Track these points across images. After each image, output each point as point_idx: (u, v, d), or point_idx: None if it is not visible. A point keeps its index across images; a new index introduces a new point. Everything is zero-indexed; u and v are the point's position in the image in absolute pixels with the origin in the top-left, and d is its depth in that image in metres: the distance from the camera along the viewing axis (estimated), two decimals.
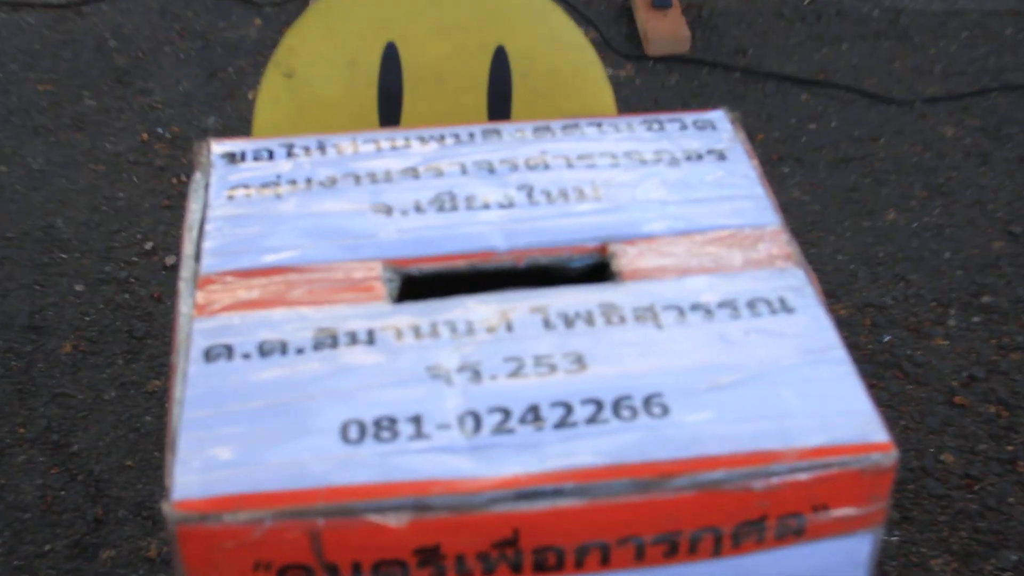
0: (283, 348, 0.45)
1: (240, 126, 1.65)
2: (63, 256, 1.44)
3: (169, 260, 1.42)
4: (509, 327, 0.45)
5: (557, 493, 0.39)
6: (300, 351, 0.45)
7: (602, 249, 0.50)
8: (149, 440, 1.23)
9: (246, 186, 0.53)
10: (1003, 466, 1.16)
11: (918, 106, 1.66)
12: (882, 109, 1.65)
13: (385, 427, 0.41)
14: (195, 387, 0.43)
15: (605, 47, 1.78)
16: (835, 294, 1.34)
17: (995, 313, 1.32)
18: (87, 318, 1.36)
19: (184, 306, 0.47)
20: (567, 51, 0.68)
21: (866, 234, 1.43)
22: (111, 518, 1.17)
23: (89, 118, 1.67)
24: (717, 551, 0.41)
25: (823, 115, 1.63)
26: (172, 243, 1.44)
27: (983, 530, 1.10)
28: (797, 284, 0.47)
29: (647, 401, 0.42)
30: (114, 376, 1.29)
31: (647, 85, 1.72)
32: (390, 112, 0.67)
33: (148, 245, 1.45)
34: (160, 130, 1.63)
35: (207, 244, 0.50)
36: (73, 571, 1.13)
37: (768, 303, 0.46)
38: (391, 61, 0.67)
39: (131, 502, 1.17)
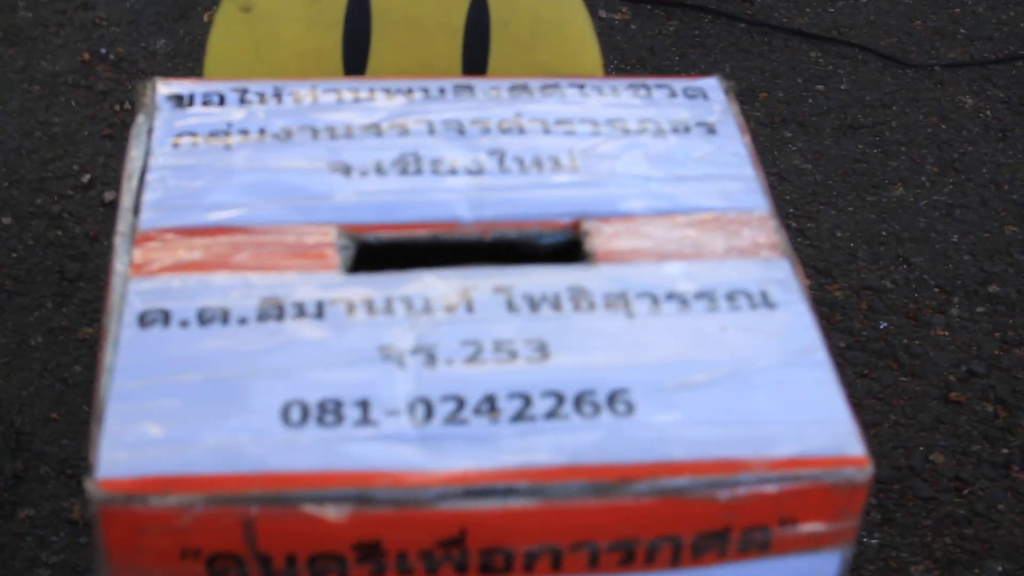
0: (224, 317, 0.45)
1: (192, 51, 1.64)
2: None
3: (108, 196, 1.42)
4: (469, 307, 0.46)
5: (509, 492, 0.40)
6: (243, 321, 0.45)
7: (575, 226, 0.50)
8: (77, 392, 1.23)
9: (193, 134, 0.53)
10: (996, 470, 1.18)
11: (937, 72, 1.67)
12: (897, 73, 1.66)
13: (329, 410, 0.42)
14: (127, 355, 0.44)
15: None
16: (831, 273, 1.36)
17: (1001, 304, 1.33)
18: (14, 255, 1.36)
19: (119, 264, 0.48)
20: (552, 0, 0.68)
21: (869, 210, 1.44)
22: (32, 475, 1.18)
23: (24, 32, 1.65)
24: (676, 561, 0.42)
25: (833, 76, 1.63)
26: (111, 177, 1.44)
27: (969, 537, 1.13)
28: (781, 277, 0.48)
29: (612, 397, 0.43)
30: (42, 320, 1.30)
31: (643, 31, 1.72)
32: (356, 56, 0.67)
33: (85, 178, 1.44)
34: (103, 50, 1.62)
35: (147, 196, 0.50)
36: None
37: (749, 296, 0.47)
38: (359, 1, 0.67)
39: (55, 458, 1.18)
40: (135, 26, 1.67)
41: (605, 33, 1.72)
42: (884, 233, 1.42)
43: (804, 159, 1.51)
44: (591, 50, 0.67)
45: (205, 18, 1.70)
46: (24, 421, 1.22)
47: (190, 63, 1.64)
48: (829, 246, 1.40)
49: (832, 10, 1.78)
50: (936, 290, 1.36)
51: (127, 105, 1.55)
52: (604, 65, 1.70)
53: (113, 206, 1.43)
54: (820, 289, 1.36)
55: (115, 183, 1.46)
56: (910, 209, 1.46)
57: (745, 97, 1.61)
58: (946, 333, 1.31)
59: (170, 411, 0.42)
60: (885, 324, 1.32)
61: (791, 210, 1.44)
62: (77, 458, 1.20)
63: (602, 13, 1.76)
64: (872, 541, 1.13)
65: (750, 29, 1.73)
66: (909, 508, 1.16)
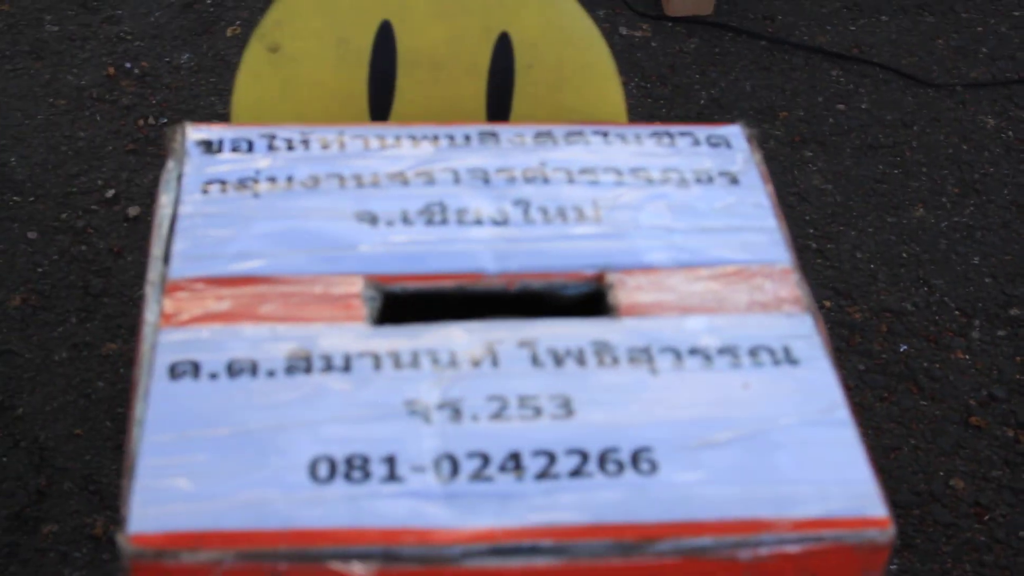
0: (253, 369, 0.46)
1: (215, 66, 1.65)
2: (16, 199, 1.44)
3: (132, 211, 1.43)
4: (495, 361, 0.47)
5: (534, 551, 0.41)
6: (271, 374, 0.46)
7: (599, 277, 0.51)
8: (100, 408, 1.25)
9: (222, 181, 0.54)
10: (1017, 496, 1.18)
11: (958, 91, 1.67)
12: (919, 92, 1.66)
13: (357, 466, 0.43)
14: (157, 407, 0.45)
15: (621, 4, 1.79)
16: (851, 295, 1.36)
17: (1023, 327, 1.34)
18: (39, 270, 1.37)
19: (150, 314, 0.48)
20: (576, 42, 0.69)
21: (890, 231, 1.44)
22: (55, 490, 1.19)
23: (50, 46, 1.67)
24: None
25: (854, 95, 1.64)
26: (135, 192, 1.45)
27: (989, 564, 1.13)
28: (804, 332, 0.49)
29: (635, 456, 0.44)
30: (66, 335, 1.31)
31: (664, 48, 1.72)
32: (381, 97, 0.68)
33: (109, 193, 1.46)
34: (128, 65, 1.64)
35: (177, 245, 0.51)
36: (11, 545, 1.15)
37: (771, 352, 0.48)
38: (385, 41, 0.68)
39: (78, 474, 1.19)
40: (159, 40, 1.69)
41: (626, 51, 1.72)
42: (904, 255, 1.42)
43: (824, 179, 1.51)
44: (614, 92, 0.67)
45: (228, 33, 1.72)
46: (47, 436, 1.23)
47: (213, 78, 1.65)
48: (849, 267, 1.41)
49: (854, 28, 1.78)
50: (957, 312, 1.36)
51: (151, 120, 1.56)
52: (625, 83, 1.71)
53: (137, 221, 1.44)
54: (840, 311, 1.36)
55: (139, 198, 1.47)
56: (931, 230, 1.46)
57: (765, 116, 1.62)
58: (967, 356, 1.32)
59: (200, 465, 0.43)
60: (905, 347, 1.32)
61: (811, 231, 1.44)
62: (100, 474, 1.21)
63: (623, 30, 1.77)
64: (891, 567, 1.13)
65: (771, 47, 1.73)
66: (929, 534, 1.16)
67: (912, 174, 1.54)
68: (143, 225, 1.43)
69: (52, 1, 1.73)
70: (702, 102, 1.64)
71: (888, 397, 1.28)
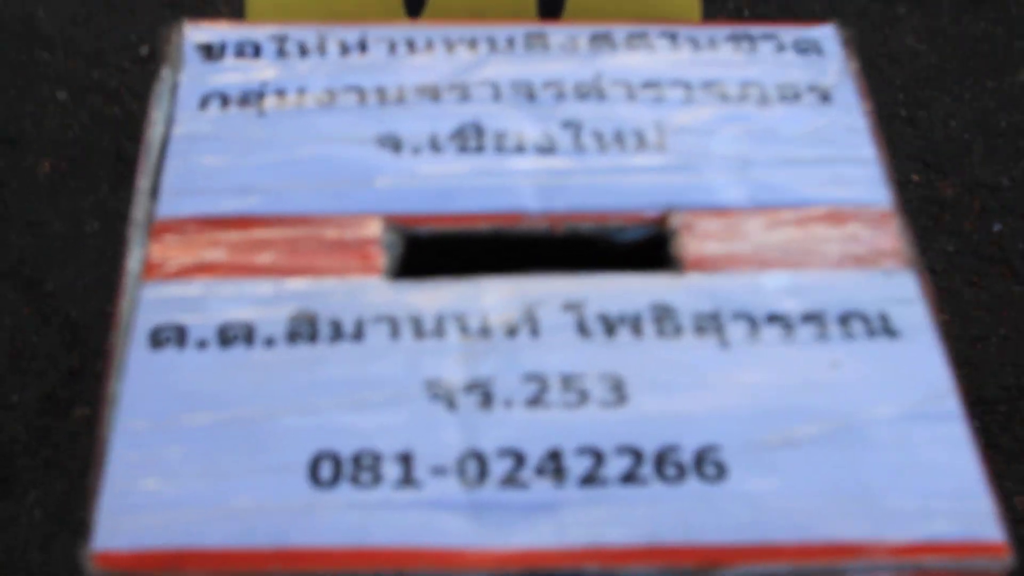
0: (249, 336, 0.40)
1: None
2: (44, 56, 1.38)
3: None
4: (534, 329, 0.40)
5: None
6: (270, 342, 0.40)
7: (661, 220, 0.44)
8: None
9: (223, 96, 0.47)
10: None
11: None
12: None
13: (366, 466, 0.36)
14: (135, 384, 0.39)
15: None
16: (943, 168, 1.27)
17: None
18: (69, 133, 1.31)
19: (132, 261, 0.42)
20: None
21: (989, 97, 1.34)
22: (88, 371, 1.15)
23: None
24: None
25: None
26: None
27: None
28: (906, 295, 0.41)
29: (699, 456, 0.37)
30: (98, 204, 1.25)
31: None
32: None
33: (143, 50, 1.38)
34: None
35: (167, 176, 0.44)
36: (43, 428, 1.12)
37: (865, 320, 0.40)
38: None
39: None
40: None
41: None
42: (1004, 124, 1.32)
43: (918, 39, 1.41)
44: None
45: None
46: (79, 313, 1.18)
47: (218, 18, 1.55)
48: (941, 137, 1.31)
49: None
50: None
51: None
52: None
53: None
54: (929, 186, 1.27)
55: None
56: None
57: None
58: None
59: (180, 462, 0.37)
60: (999, 226, 1.24)
61: (901, 96, 1.34)
62: None
63: None
64: None
65: None
66: (1016, 432, 1.09)
67: (1017, 33, 1.42)
68: None
69: None
70: None
71: (978, 282, 1.19)
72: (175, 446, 0.37)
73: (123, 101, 1.34)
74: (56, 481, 1.08)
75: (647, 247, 0.44)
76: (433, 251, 0.43)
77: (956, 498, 0.36)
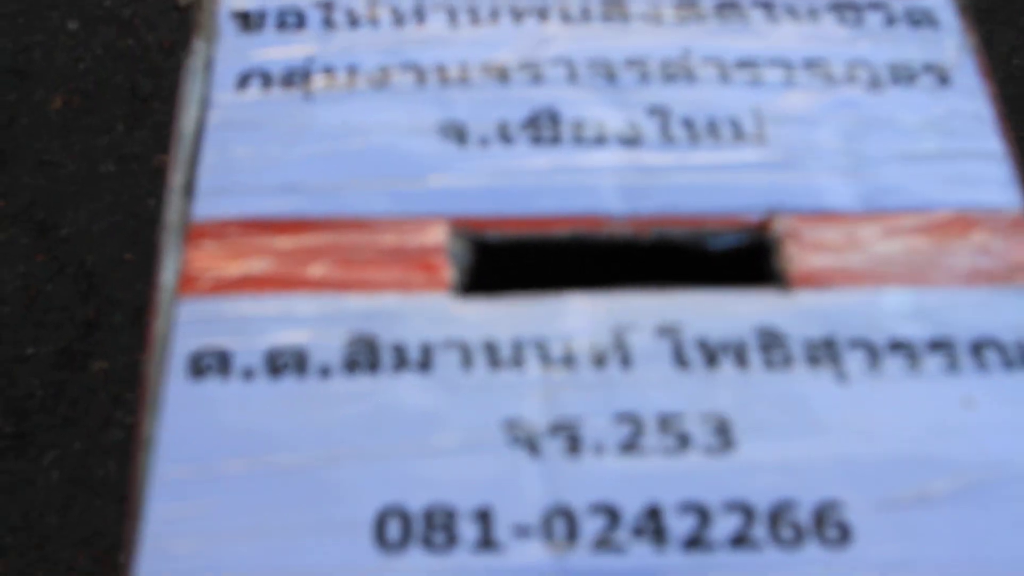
0: (301, 363, 0.35)
1: None
2: None
3: None
4: (625, 358, 0.35)
5: None
6: (325, 372, 0.35)
7: (763, 225, 0.39)
8: (151, 229, 1.15)
9: (264, 74, 0.42)
10: None
11: None
12: None
13: (439, 525, 0.32)
14: (174, 422, 0.34)
15: None
16: (1004, 113, 1.22)
17: None
18: (81, 65, 1.26)
19: (166, 274, 0.37)
20: None
21: None
22: (105, 322, 1.11)
23: None
24: None
25: None
26: None
27: None
28: None
29: (820, 516, 0.32)
30: (113, 145, 1.20)
31: None
32: None
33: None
34: None
35: (203, 172, 0.40)
36: (59, 383, 1.08)
37: (1001, 349, 0.36)
38: None
39: (129, 305, 1.11)
40: None
41: None
42: None
43: None
44: None
45: None
46: (95, 261, 1.14)
47: None
48: (1002, 76, 1.25)
49: None
50: None
51: None
52: None
53: (190, 12, 1.31)
54: None
55: None
56: None
57: None
58: None
59: (227, 518, 0.32)
60: None
61: None
62: None
63: None
64: None
65: None
66: None
67: None
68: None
69: None
70: None
71: None
72: (218, 498, 0.33)
73: (137, 33, 1.29)
74: (74, 440, 1.05)
75: (746, 257, 0.39)
76: (503, 260, 0.39)
77: None
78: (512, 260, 0.39)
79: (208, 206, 0.39)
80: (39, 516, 1.01)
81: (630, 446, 0.34)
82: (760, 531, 0.32)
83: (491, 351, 0.35)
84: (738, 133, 0.41)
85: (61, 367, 1.08)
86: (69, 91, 1.23)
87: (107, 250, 1.14)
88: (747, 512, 0.32)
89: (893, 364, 0.35)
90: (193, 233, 0.38)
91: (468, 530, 0.32)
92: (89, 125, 1.21)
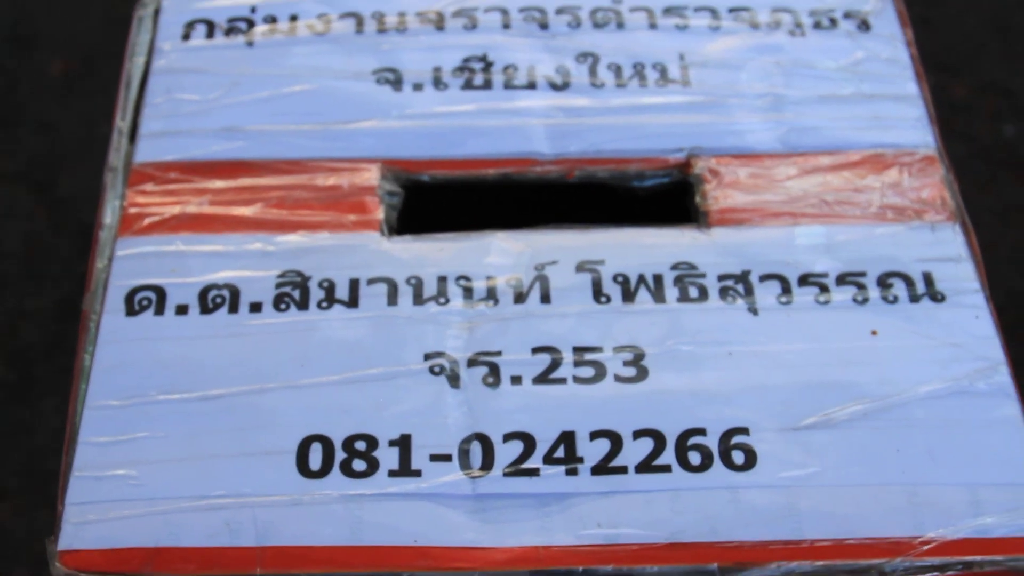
0: (234, 301, 0.35)
1: None
2: None
3: None
4: (545, 293, 0.35)
5: None
6: (256, 308, 0.34)
7: (685, 165, 0.38)
8: None
9: (209, 23, 0.41)
10: None
11: None
12: None
13: (360, 452, 0.32)
14: (109, 355, 0.34)
15: None
16: (955, 68, 1.20)
17: None
18: (80, 29, 1.24)
19: (108, 214, 0.37)
20: None
21: None
22: None
23: None
24: None
25: None
26: None
27: None
28: (952, 253, 0.36)
29: (726, 441, 0.32)
30: (109, 107, 1.19)
31: None
32: None
33: None
34: None
35: (147, 116, 0.39)
36: (59, 333, 1.07)
37: (908, 282, 0.35)
38: None
39: None
40: None
41: None
42: (1021, 23, 1.25)
43: None
44: None
45: None
46: (93, 218, 1.13)
47: None
48: (955, 37, 1.24)
49: None
50: None
51: None
52: None
53: None
54: (941, 88, 1.20)
55: None
56: None
57: None
58: None
59: (158, 447, 0.32)
60: (1012, 130, 1.17)
61: None
62: None
63: None
64: None
65: None
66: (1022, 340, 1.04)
67: None
68: None
69: None
70: None
71: (988, 187, 1.13)
72: (151, 427, 0.32)
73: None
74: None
75: (669, 195, 0.38)
76: (436, 200, 0.38)
77: (1008, 487, 0.31)
78: (443, 201, 0.38)
79: (150, 150, 0.38)
80: (41, 460, 1.01)
81: (546, 376, 0.33)
82: (668, 456, 0.32)
83: (416, 287, 0.35)
84: (664, 77, 0.40)
85: (61, 319, 1.07)
86: (69, 56, 1.22)
87: None
88: (657, 439, 0.32)
89: (804, 297, 0.35)
90: (134, 176, 0.37)
91: (387, 457, 0.31)
92: (88, 89, 1.19)
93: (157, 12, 0.42)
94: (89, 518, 0.30)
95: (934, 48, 1.22)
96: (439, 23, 0.41)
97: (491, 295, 0.34)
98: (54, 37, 1.23)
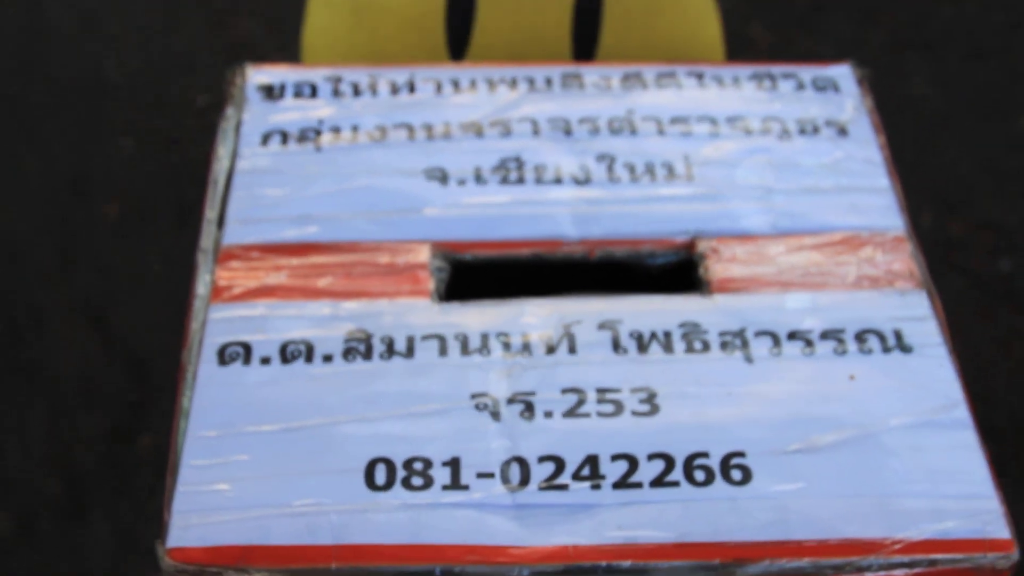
0: (309, 353, 0.41)
1: None
2: (111, 105, 1.40)
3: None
4: (572, 347, 0.41)
5: (611, 572, 0.35)
6: (328, 359, 0.41)
7: (690, 245, 0.44)
8: None
9: (283, 132, 0.48)
10: None
11: None
12: None
13: (418, 471, 0.37)
14: (205, 397, 0.40)
15: None
16: (952, 209, 1.27)
17: None
18: (134, 179, 1.33)
19: (201, 286, 0.43)
20: None
21: (994, 141, 1.34)
22: (152, 403, 1.16)
23: None
24: None
25: None
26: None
27: None
28: (919, 314, 0.42)
29: (725, 462, 0.37)
30: (160, 247, 1.27)
31: None
32: (459, 27, 0.61)
33: (202, 100, 1.41)
34: None
35: (232, 207, 0.46)
36: (110, 457, 1.13)
37: (881, 337, 0.41)
38: None
39: (174, 387, 1.16)
40: None
41: None
42: (1009, 166, 1.32)
43: (928, 86, 1.41)
44: (711, 22, 0.60)
45: None
46: (144, 350, 1.20)
47: (280, 62, 1.58)
48: (950, 179, 1.31)
49: None
50: None
51: (241, 27, 1.51)
52: (720, 7, 1.61)
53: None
54: (939, 225, 1.27)
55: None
56: None
57: (867, 19, 1.51)
58: None
59: (247, 467, 0.37)
60: (1008, 264, 1.23)
61: (911, 140, 1.35)
62: None
63: None
64: None
65: None
66: None
67: (1020, 80, 1.43)
68: None
69: None
70: (802, 6, 1.54)
71: (987, 317, 1.19)
72: (242, 452, 0.38)
73: (183, 149, 1.36)
74: (124, 509, 1.09)
75: (677, 270, 0.45)
76: (478, 275, 0.44)
77: (966, 499, 0.37)
78: (486, 276, 0.45)
79: (235, 234, 0.45)
80: None
81: (574, 411, 0.39)
82: (677, 474, 0.37)
83: (462, 342, 0.41)
84: (671, 173, 0.46)
85: (112, 442, 1.13)
86: (123, 202, 1.30)
87: (155, 340, 1.19)
88: (668, 460, 0.37)
89: (792, 349, 0.41)
90: (223, 255, 0.44)
91: (441, 475, 0.37)
92: (140, 231, 1.28)
93: (239, 124, 0.49)
94: (192, 522, 0.36)
95: (932, 189, 1.30)
96: (479, 131, 0.48)
97: (526, 348, 0.41)
98: (109, 184, 1.32)
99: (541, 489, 0.37)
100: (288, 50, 1.47)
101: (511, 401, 0.39)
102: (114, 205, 1.31)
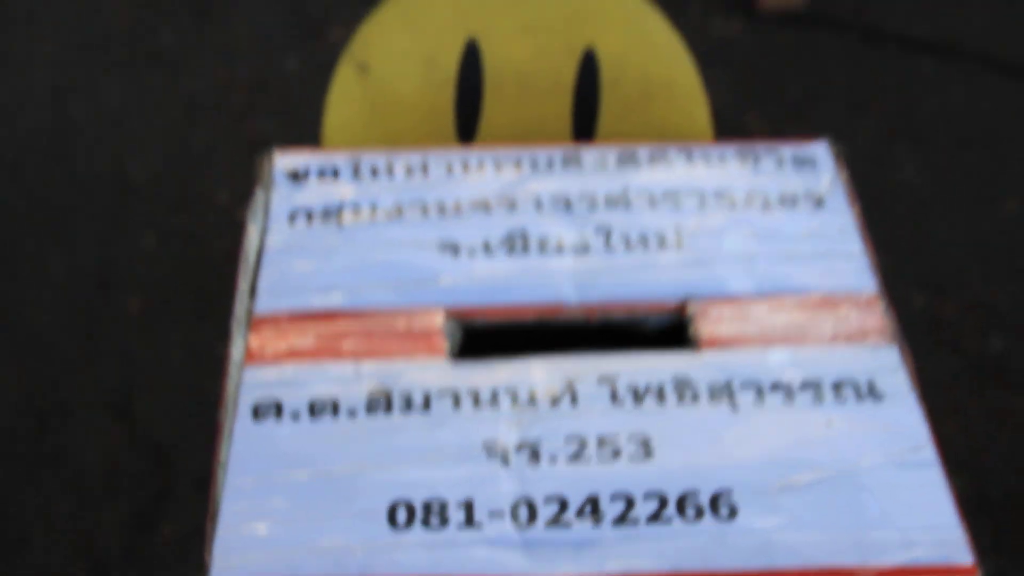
0: (335, 409, 0.45)
1: (323, 67, 1.65)
2: (134, 203, 1.46)
3: (242, 215, 1.43)
4: (574, 399, 0.45)
5: None
6: (352, 414, 0.44)
7: (681, 308, 0.48)
8: (215, 410, 1.25)
9: (308, 212, 0.53)
10: None
11: None
12: (1014, 83, 1.59)
13: (435, 512, 0.41)
14: (241, 449, 0.43)
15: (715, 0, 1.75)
16: (943, 290, 1.31)
17: None
18: (156, 273, 1.38)
19: (235, 351, 0.47)
20: (662, 58, 0.66)
21: (983, 224, 1.39)
22: (174, 491, 1.19)
23: (166, 55, 1.68)
24: None
25: (948, 86, 1.58)
26: (246, 197, 1.46)
27: None
28: (889, 365, 0.46)
29: (714, 500, 0.41)
30: (182, 340, 1.31)
31: (757, 44, 1.68)
32: (468, 117, 0.65)
33: (222, 197, 1.46)
34: (239, 71, 1.64)
35: (263, 279, 0.50)
36: (133, 544, 1.16)
37: (855, 387, 0.45)
38: (472, 60, 0.66)
39: (195, 476, 1.20)
40: (268, 43, 1.68)
41: (719, 45, 1.68)
42: (998, 248, 1.37)
43: (916, 173, 1.46)
44: (699, 109, 0.65)
45: (332, 37, 1.71)
46: (166, 437, 1.23)
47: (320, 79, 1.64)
48: (941, 262, 1.35)
49: (948, 17, 1.72)
50: None
51: (258, 126, 1.57)
52: (717, 76, 1.67)
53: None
54: (931, 307, 1.31)
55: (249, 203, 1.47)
56: None
57: (857, 109, 1.57)
58: None
59: (281, 511, 0.41)
60: (999, 343, 1.27)
61: (902, 224, 1.39)
62: None
63: (716, 24, 1.73)
64: (985, 572, 1.08)
65: (863, 39, 1.67)
66: (1021, 534, 1.11)
67: (1006, 166, 1.47)
68: None
69: (169, 9, 1.74)
70: (793, 96, 1.60)
71: (980, 395, 1.22)
72: (275, 498, 0.42)
73: (204, 244, 1.41)
74: None
75: (669, 330, 0.49)
76: (488, 337, 0.48)
77: (933, 530, 0.40)
78: (494, 338, 0.49)
79: (266, 304, 0.49)
80: None
81: (576, 457, 0.43)
82: (670, 511, 0.41)
83: (474, 396, 0.45)
84: (662, 243, 0.51)
85: (135, 529, 1.16)
86: (146, 296, 1.35)
87: (177, 429, 1.23)
88: (661, 500, 0.41)
89: (773, 399, 0.45)
90: (255, 323, 0.48)
91: (456, 515, 0.41)
92: (162, 324, 1.32)
93: (267, 205, 0.53)
94: (232, 562, 0.40)
95: (923, 271, 1.34)
96: (487, 207, 0.52)
97: (532, 401, 0.44)
98: (132, 280, 1.37)
99: (547, 527, 0.40)
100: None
101: (519, 448, 0.43)
102: (137, 299, 1.35)
